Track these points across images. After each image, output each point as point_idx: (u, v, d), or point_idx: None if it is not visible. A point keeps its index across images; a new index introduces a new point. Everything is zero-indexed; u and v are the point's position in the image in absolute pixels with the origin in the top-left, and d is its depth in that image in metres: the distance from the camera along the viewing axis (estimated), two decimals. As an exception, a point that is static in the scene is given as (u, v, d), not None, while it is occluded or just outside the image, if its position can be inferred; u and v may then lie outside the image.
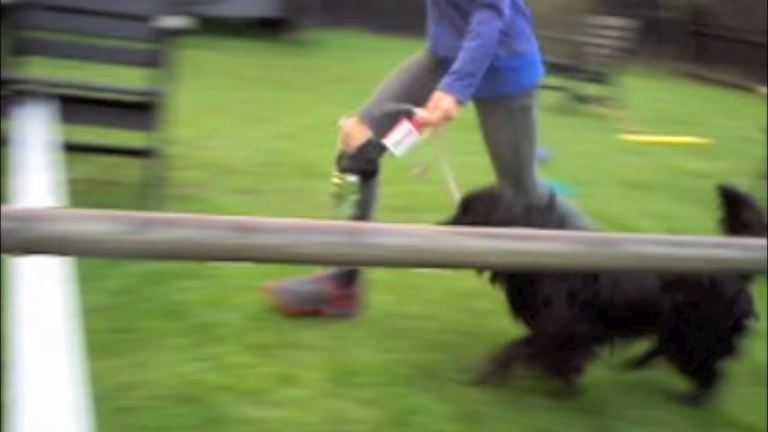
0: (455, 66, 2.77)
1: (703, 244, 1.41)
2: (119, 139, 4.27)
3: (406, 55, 3.13)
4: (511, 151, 3.02)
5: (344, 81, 8.82)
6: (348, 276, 3.09)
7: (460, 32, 2.81)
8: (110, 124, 4.03)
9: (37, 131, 3.29)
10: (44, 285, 2.02)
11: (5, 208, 1.05)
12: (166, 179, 4.05)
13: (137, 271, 3.14)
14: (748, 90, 11.15)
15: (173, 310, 2.96)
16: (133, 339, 2.71)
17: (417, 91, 2.93)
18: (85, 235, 1.08)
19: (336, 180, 2.95)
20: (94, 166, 4.39)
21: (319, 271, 3.11)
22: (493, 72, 2.82)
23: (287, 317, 3.01)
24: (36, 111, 3.57)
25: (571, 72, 8.78)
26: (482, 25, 2.75)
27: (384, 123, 2.89)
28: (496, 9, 2.75)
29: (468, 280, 2.93)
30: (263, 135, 5.92)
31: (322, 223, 1.19)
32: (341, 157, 2.97)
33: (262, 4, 11.45)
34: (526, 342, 2.73)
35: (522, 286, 2.69)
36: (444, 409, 2.56)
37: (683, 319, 2.68)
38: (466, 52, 2.76)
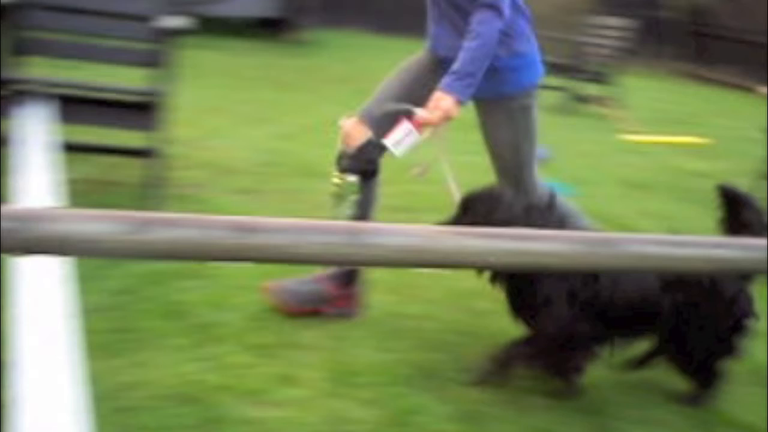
0: (455, 66, 2.77)
1: (703, 244, 1.41)
2: (119, 139, 4.27)
3: (406, 55, 3.13)
4: (511, 151, 3.02)
5: (344, 81, 8.82)
6: (348, 276, 3.09)
7: (460, 32, 2.81)
8: (110, 124, 4.03)
9: (37, 131, 3.29)
10: (44, 285, 2.02)
11: (5, 208, 1.05)
12: (166, 179, 4.05)
13: (137, 271, 3.14)
14: (748, 90, 11.15)
15: (173, 310, 2.96)
16: (133, 339, 2.71)
17: (417, 91, 2.93)
18: (85, 235, 1.08)
19: (336, 180, 2.95)
20: (94, 166, 4.39)
21: (319, 271, 3.11)
22: (493, 72, 2.82)
23: (287, 317, 3.01)
24: (36, 111, 3.56)
25: (571, 72, 8.78)
26: (482, 25, 2.75)
27: (384, 123, 2.89)
28: (496, 9, 2.75)
29: (468, 280, 2.93)
30: (263, 135, 5.92)
31: (322, 223, 1.19)
32: (341, 157, 2.97)
33: (262, 4, 11.45)
34: (526, 342, 2.73)
35: (522, 286, 2.69)
36: (444, 409, 2.56)
37: (683, 319, 2.68)
38: (466, 52, 2.76)
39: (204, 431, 2.31)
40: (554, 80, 7.95)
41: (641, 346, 2.86)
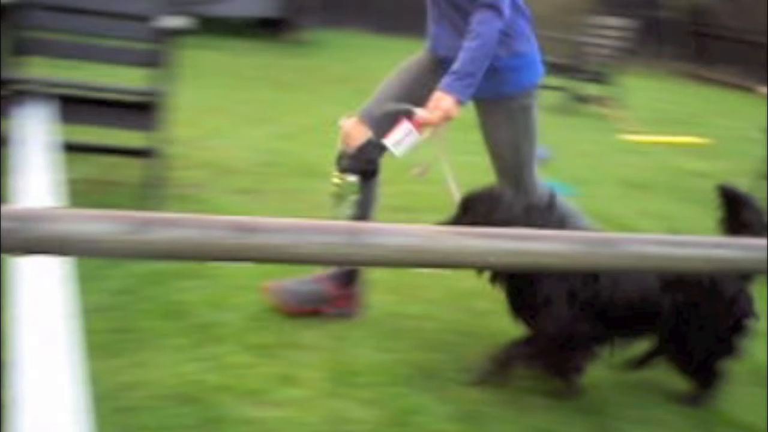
0: (455, 66, 2.77)
1: (703, 244, 1.41)
2: (119, 139, 4.27)
3: (406, 55, 3.13)
4: (511, 151, 3.02)
5: (344, 81, 8.82)
6: (348, 276, 3.09)
7: (460, 32, 2.81)
8: (110, 124, 4.03)
9: (37, 131, 3.29)
10: (44, 285, 2.02)
11: (5, 208, 1.05)
12: (166, 179, 4.05)
13: (137, 271, 3.14)
14: (748, 90, 11.15)
15: (173, 310, 2.96)
16: (133, 339, 2.71)
17: (417, 91, 2.93)
18: (85, 235, 1.08)
19: (336, 180, 2.95)
20: (94, 166, 4.39)
21: (319, 271, 3.11)
22: (493, 72, 2.82)
23: (287, 317, 3.01)
24: (36, 111, 3.56)
25: (571, 72, 8.78)
26: (482, 25, 2.75)
27: (384, 123, 2.89)
28: (496, 9, 2.75)
29: (468, 280, 2.93)
30: (263, 135, 5.92)
31: (322, 223, 1.19)
32: (341, 157, 2.97)
33: (262, 4, 11.45)
34: (526, 342, 2.73)
35: (522, 286, 2.68)
36: (444, 409, 2.56)
37: (683, 319, 2.68)
38: (466, 52, 2.76)
39: (204, 431, 2.31)
40: (554, 80, 7.95)
41: (641, 346, 2.86)
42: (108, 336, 2.68)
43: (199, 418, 2.34)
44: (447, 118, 2.77)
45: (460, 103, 2.77)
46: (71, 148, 3.67)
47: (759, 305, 2.75)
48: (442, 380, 2.73)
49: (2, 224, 1.04)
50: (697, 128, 8.64)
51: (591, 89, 8.90)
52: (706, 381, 2.78)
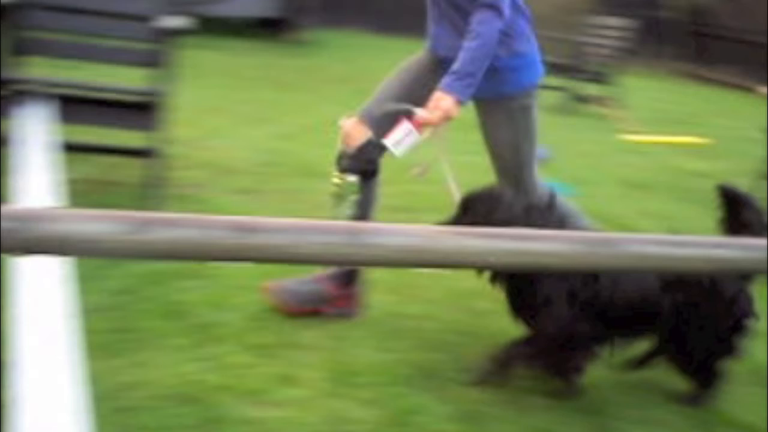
0: (455, 66, 2.77)
1: (703, 244, 1.41)
2: (119, 139, 4.27)
3: (406, 55, 3.13)
4: (511, 151, 3.02)
5: (344, 81, 8.82)
6: (348, 276, 3.09)
7: (460, 32, 2.81)
8: (110, 124, 4.03)
9: (37, 131, 3.29)
10: (44, 285, 2.02)
11: (5, 208, 1.05)
12: (166, 179, 4.05)
13: (137, 271, 3.14)
14: (748, 90, 11.15)
15: (173, 310, 2.96)
16: (133, 339, 2.71)
17: (417, 91, 2.92)
18: (85, 235, 1.08)
19: (336, 180, 2.95)
20: (94, 166, 4.39)
21: (319, 271, 3.11)
22: (493, 72, 2.82)
23: (287, 317, 3.01)
24: (36, 111, 3.57)
25: (571, 72, 8.77)
26: (482, 25, 2.75)
27: (384, 123, 2.89)
28: (496, 9, 2.75)
29: (468, 280, 2.93)
30: (263, 135, 5.92)
31: (322, 223, 1.19)
32: (341, 157, 2.97)
33: (262, 4, 11.45)
34: (526, 342, 2.73)
35: (522, 286, 2.68)
36: (444, 409, 2.56)
37: (683, 319, 2.68)
38: (466, 52, 2.76)
39: (204, 431, 2.31)
40: (554, 80, 7.95)
41: (641, 346, 2.86)
42: (108, 336, 2.68)
43: (199, 418, 2.34)
44: (447, 118, 2.77)
45: (460, 103, 2.77)
46: (71, 148, 3.67)
47: (759, 305, 2.75)
48: (442, 380, 2.73)
49: (2, 224, 1.04)
50: (697, 128, 8.64)
51: (591, 89, 8.90)
52: (706, 381, 2.78)
